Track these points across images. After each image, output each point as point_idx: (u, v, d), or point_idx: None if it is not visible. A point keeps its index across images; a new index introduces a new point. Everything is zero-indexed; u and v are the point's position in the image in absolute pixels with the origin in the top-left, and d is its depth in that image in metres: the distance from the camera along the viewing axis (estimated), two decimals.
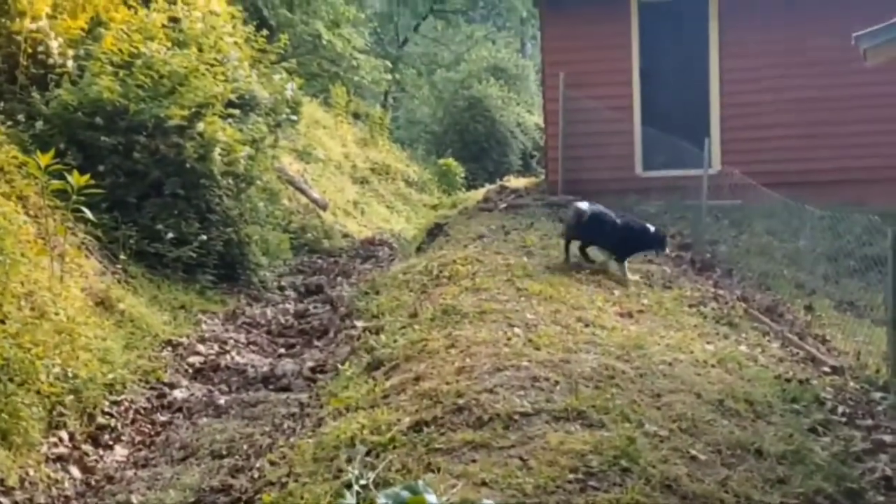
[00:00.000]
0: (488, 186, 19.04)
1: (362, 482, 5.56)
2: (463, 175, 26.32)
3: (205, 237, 11.84)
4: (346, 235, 18.36)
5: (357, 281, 13.56)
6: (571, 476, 5.57)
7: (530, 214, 14.23)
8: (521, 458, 5.78)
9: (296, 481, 6.01)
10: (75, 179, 9.23)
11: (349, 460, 5.97)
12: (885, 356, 8.37)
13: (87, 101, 11.39)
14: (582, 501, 5.32)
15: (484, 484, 5.48)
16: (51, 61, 11.74)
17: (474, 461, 5.77)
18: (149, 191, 11.66)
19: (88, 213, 9.63)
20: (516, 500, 5.32)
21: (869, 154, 14.81)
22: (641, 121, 15.66)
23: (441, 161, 27.02)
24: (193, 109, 11.98)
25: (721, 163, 14.74)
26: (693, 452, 6.02)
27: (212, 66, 13.07)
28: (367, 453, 6.08)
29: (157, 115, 11.62)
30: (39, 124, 11.12)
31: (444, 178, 26.29)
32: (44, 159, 9.07)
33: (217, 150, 12.17)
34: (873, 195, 13.38)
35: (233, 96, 13.37)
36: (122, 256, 10.78)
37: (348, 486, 5.57)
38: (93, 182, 9.56)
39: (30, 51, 11.59)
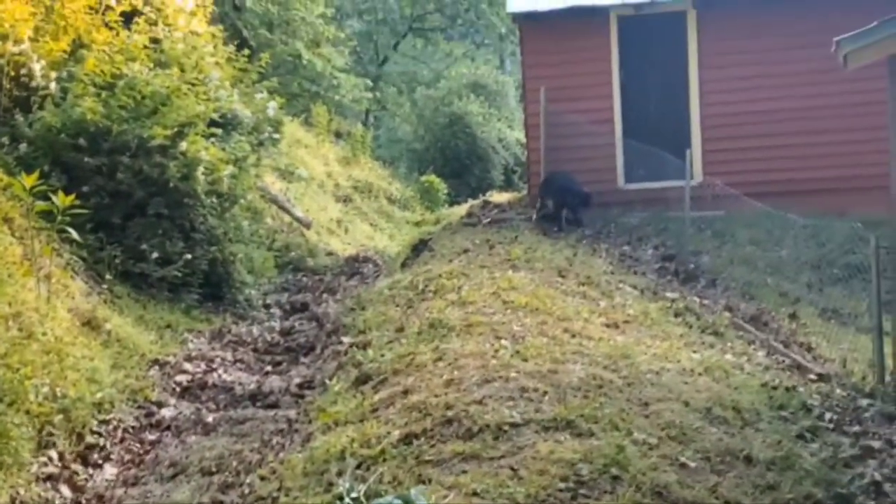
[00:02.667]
0: (471, 202, 19.05)
1: (353, 495, 5.60)
2: (445, 191, 26.31)
3: (189, 256, 11.78)
4: (330, 253, 18.34)
5: (342, 297, 13.54)
6: (562, 485, 5.60)
7: (514, 228, 14.27)
8: (511, 468, 5.81)
9: (287, 496, 6.02)
10: (60, 200, 9.23)
11: (340, 473, 6.00)
12: (871, 363, 8.45)
13: (71, 123, 11.35)
14: None
15: (475, 494, 5.51)
16: (34, 84, 11.70)
17: (465, 472, 5.80)
18: (133, 211, 11.60)
19: (74, 234, 9.62)
20: None
21: (850, 163, 14.88)
22: (623, 133, 15.76)
23: (423, 178, 27.00)
24: (176, 129, 11.93)
25: (703, 174, 14.86)
26: (682, 459, 6.06)
27: (193, 85, 13.07)
28: (358, 466, 6.11)
29: (140, 135, 11.57)
30: (23, 146, 11.07)
31: (426, 194, 26.29)
32: (29, 180, 9.05)
33: (200, 169, 12.12)
34: (855, 204, 13.42)
35: (215, 115, 13.35)
36: (107, 276, 10.72)
37: (340, 498, 5.61)
38: (78, 203, 9.55)
39: (13, 73, 11.56)
